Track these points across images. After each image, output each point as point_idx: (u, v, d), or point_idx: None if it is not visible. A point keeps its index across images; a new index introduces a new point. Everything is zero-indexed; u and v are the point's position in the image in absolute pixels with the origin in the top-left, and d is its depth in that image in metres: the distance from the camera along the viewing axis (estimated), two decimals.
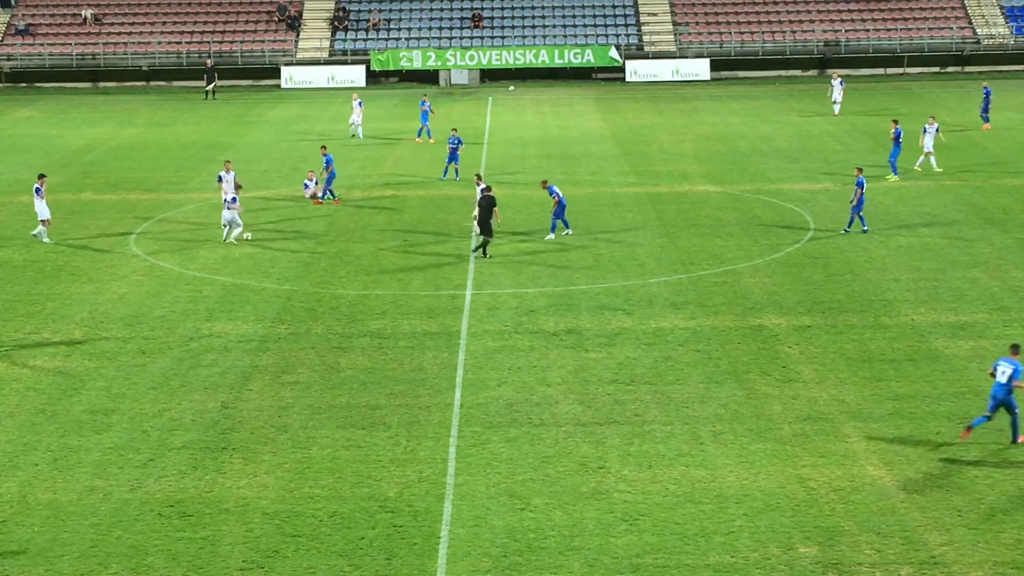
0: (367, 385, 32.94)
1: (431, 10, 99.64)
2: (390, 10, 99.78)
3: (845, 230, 47.31)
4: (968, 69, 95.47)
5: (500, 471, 27.75)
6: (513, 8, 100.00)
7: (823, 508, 25.85)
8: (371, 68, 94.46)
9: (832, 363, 34.16)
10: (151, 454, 28.86)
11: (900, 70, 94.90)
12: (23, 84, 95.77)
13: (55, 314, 39.29)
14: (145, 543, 24.74)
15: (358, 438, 29.60)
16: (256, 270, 43.81)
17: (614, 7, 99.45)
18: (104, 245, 47.68)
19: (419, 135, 69.79)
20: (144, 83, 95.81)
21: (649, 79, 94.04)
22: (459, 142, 58.86)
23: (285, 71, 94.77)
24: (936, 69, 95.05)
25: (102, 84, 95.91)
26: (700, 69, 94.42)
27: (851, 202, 47.46)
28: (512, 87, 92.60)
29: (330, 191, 54.17)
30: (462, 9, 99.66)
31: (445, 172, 59.24)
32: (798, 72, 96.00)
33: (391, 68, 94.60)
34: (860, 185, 46.72)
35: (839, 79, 77.34)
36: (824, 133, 70.13)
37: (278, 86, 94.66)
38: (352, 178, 59.18)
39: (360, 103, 71.74)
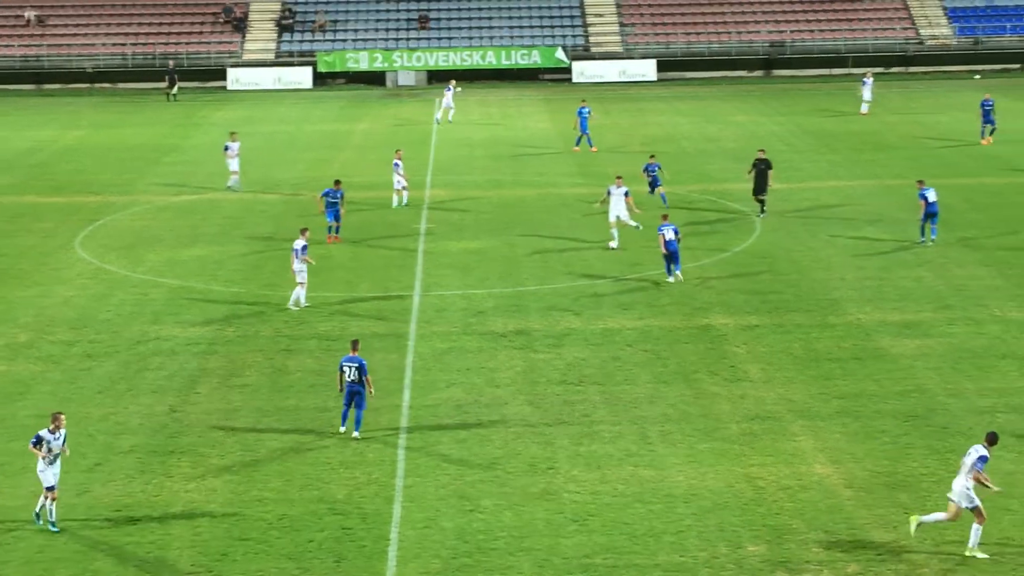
0: (315, 388, 32.84)
1: (377, 11, 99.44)
2: (336, 11, 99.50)
3: (921, 241, 45.71)
4: (912, 69, 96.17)
5: (449, 472, 27.74)
6: (459, 9, 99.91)
7: (771, 507, 25.99)
8: (318, 70, 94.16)
9: (779, 362, 34.33)
10: (98, 458, 28.68)
11: (845, 71, 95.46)
12: None
13: None
14: (92, 548, 24.59)
15: (307, 441, 29.51)
16: (203, 273, 43.59)
17: (560, 8, 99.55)
18: (49, 248, 47.31)
19: (578, 143, 66.03)
20: (88, 85, 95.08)
21: (596, 80, 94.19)
22: (659, 168, 53.04)
23: (231, 73, 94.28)
24: (881, 69, 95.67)
25: (46, 86, 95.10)
26: (647, 70, 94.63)
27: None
28: (458, 87, 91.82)
29: (333, 227, 47.67)
30: (408, 11, 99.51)
31: (663, 197, 52.12)
32: (744, 73, 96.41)
33: (338, 69, 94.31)
34: (922, 196, 45.26)
35: (870, 78, 77.60)
36: (769, 134, 70.42)
37: (224, 88, 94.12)
38: (299, 180, 59.00)
39: (450, 89, 75.36)
